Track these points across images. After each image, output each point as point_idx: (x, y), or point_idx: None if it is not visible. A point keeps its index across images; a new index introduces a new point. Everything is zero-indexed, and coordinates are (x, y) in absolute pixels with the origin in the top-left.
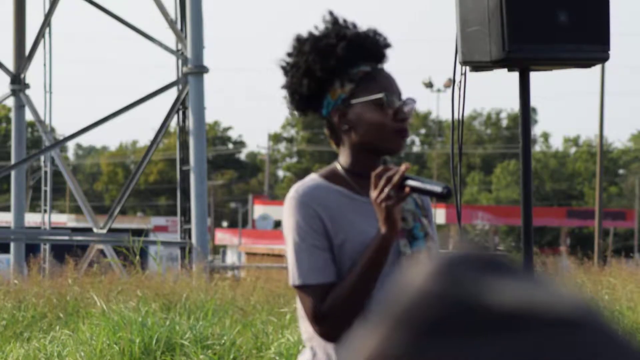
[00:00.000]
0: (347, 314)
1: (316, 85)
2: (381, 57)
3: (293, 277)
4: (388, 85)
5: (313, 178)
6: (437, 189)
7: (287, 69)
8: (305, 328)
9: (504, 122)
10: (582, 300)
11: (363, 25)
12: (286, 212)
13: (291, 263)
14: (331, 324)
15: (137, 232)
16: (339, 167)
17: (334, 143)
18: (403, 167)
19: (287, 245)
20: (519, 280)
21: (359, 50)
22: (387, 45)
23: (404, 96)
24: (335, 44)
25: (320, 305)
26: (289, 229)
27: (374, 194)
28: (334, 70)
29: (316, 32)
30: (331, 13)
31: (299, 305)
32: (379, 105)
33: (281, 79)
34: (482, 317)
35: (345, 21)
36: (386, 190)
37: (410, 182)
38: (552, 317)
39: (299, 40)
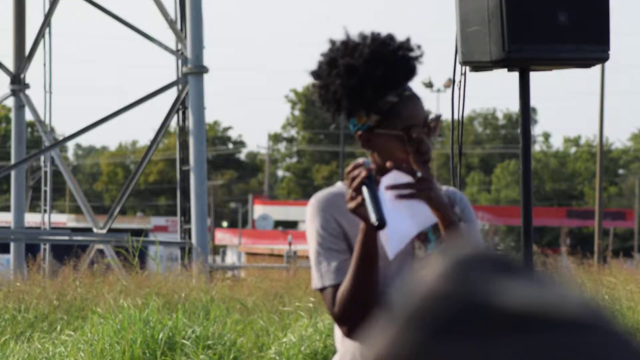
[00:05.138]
0: (357, 312)
1: (340, 111)
2: (406, 80)
3: (314, 280)
4: (412, 117)
5: (337, 186)
6: (372, 217)
7: (315, 78)
8: (335, 331)
9: (501, 122)
10: (590, 302)
11: (400, 39)
12: (307, 219)
13: (313, 267)
14: (346, 322)
15: (137, 232)
16: None
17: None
18: (364, 172)
19: (310, 251)
20: (528, 282)
21: (385, 89)
22: (414, 67)
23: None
24: (362, 85)
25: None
26: (309, 234)
27: (345, 189)
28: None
29: (350, 61)
30: (381, 39)
31: None
32: (401, 140)
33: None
34: (492, 318)
35: (386, 42)
36: (349, 191)
37: (365, 193)
38: (561, 318)
39: (330, 65)
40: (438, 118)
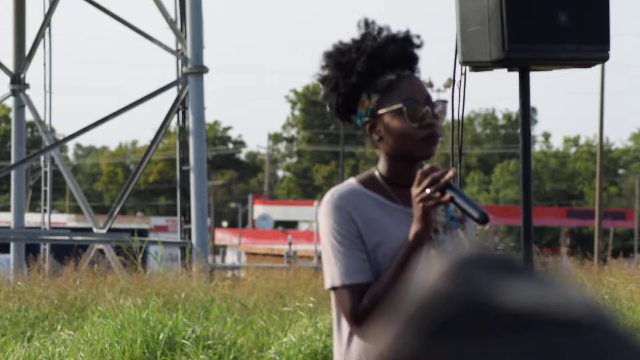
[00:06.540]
0: (381, 313)
1: (344, 99)
2: (408, 63)
3: (331, 278)
4: (412, 91)
5: (350, 183)
6: (475, 213)
7: (321, 83)
8: (341, 327)
9: (501, 122)
10: (592, 302)
11: (394, 29)
12: (322, 216)
13: (328, 265)
14: (368, 323)
15: (142, 233)
16: (376, 173)
17: (375, 149)
18: (450, 172)
19: (324, 249)
20: (530, 282)
21: (380, 62)
22: (412, 50)
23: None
24: (355, 59)
25: (358, 304)
26: (325, 232)
27: (415, 190)
28: (358, 84)
29: (341, 46)
30: (366, 21)
31: (335, 308)
32: (402, 114)
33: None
34: (493, 318)
35: (374, 29)
36: (428, 190)
37: (452, 194)
38: (563, 318)
39: (326, 54)
40: (444, 102)
